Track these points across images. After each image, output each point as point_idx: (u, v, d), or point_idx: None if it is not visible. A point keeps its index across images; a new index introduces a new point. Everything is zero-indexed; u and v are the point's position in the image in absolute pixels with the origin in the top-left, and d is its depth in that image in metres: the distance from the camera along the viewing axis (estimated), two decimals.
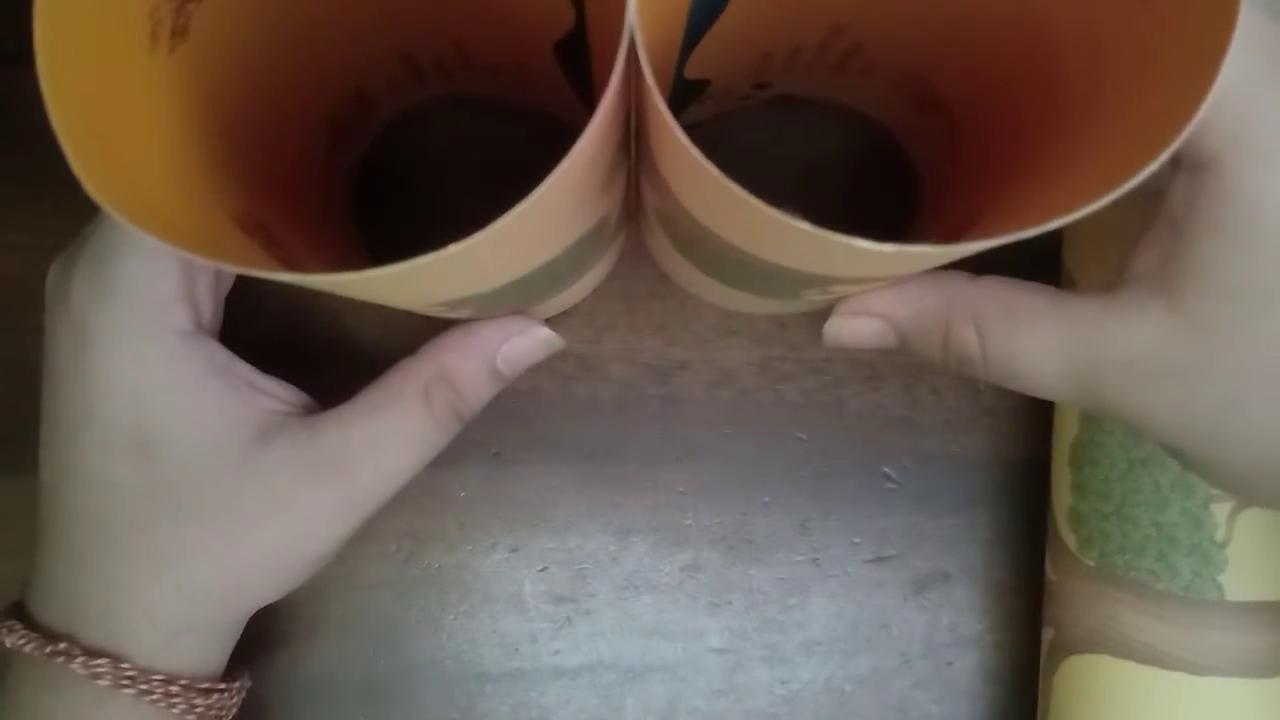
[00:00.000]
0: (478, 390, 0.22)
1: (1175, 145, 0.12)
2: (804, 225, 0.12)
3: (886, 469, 0.28)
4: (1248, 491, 0.19)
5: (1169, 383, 0.16)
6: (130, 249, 0.20)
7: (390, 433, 0.21)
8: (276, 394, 0.22)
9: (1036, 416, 0.28)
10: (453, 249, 0.12)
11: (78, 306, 0.20)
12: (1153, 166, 0.12)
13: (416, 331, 0.27)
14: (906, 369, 0.28)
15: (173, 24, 0.16)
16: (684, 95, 0.23)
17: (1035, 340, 0.17)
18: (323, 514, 0.21)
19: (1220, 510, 0.22)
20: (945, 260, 0.15)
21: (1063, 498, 0.25)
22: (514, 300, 0.20)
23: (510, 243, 0.14)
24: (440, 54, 0.23)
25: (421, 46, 0.23)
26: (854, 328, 0.20)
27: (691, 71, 0.21)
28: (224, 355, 0.21)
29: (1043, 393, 0.18)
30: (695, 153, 0.12)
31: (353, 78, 0.23)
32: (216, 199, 0.18)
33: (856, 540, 0.28)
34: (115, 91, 0.15)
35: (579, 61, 0.21)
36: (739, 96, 0.26)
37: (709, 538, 0.28)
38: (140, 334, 0.20)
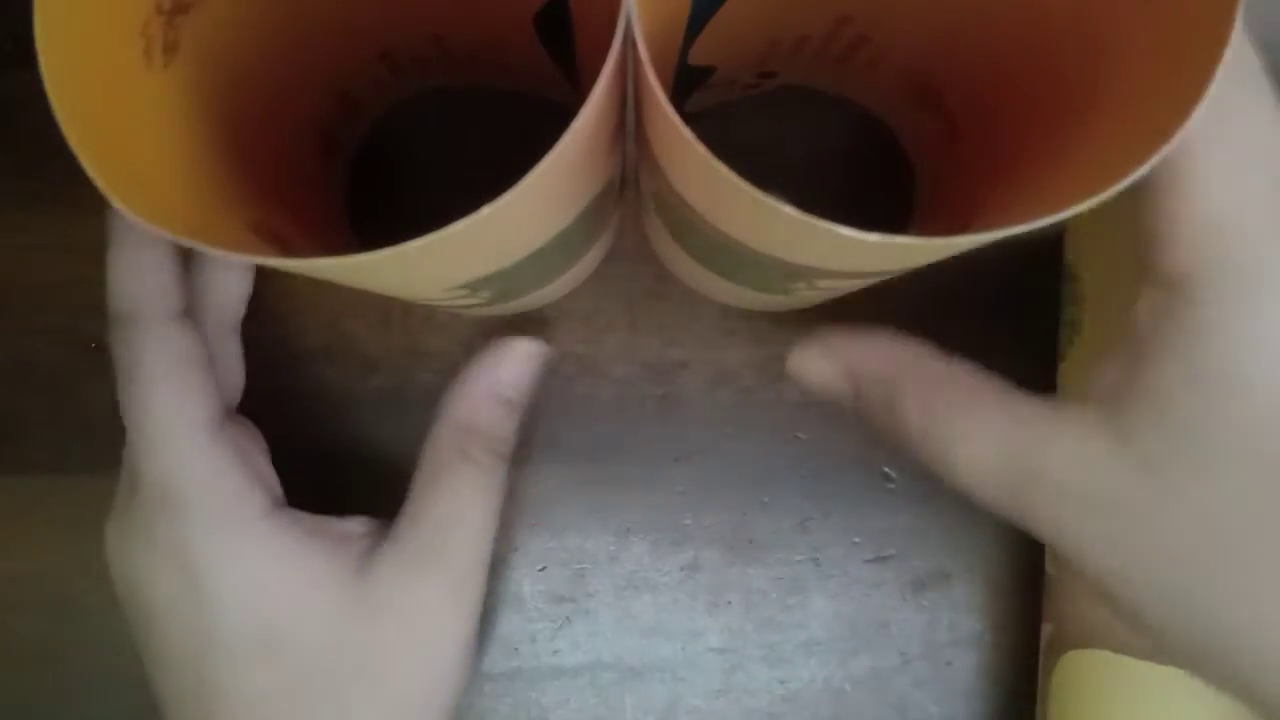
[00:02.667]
0: (502, 426, 0.23)
1: (1172, 143, 0.12)
2: (789, 209, 0.12)
3: (886, 469, 0.28)
4: (1186, 662, 0.15)
5: (1106, 519, 0.14)
6: (187, 462, 0.20)
7: (454, 504, 0.22)
8: (358, 531, 0.22)
9: None
10: (485, 210, 0.12)
11: (164, 541, 0.20)
12: (1146, 167, 0.13)
13: (415, 330, 0.28)
14: None
15: (164, 39, 0.16)
16: (688, 81, 0.23)
17: (975, 433, 0.16)
18: (443, 609, 0.21)
19: None
20: (933, 256, 0.15)
21: None
22: (533, 275, 0.20)
23: (535, 204, 0.15)
24: (419, 48, 0.24)
25: (400, 43, 0.23)
26: (816, 366, 0.20)
27: (696, 57, 0.22)
28: (307, 519, 0.22)
29: (970, 491, 0.16)
30: (686, 132, 0.12)
31: (336, 82, 0.23)
32: (229, 209, 0.18)
33: (856, 540, 0.28)
34: (122, 110, 0.15)
35: (560, 32, 0.21)
36: (743, 85, 0.26)
37: (709, 538, 0.28)
38: (229, 531, 0.20)
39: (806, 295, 0.21)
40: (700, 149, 0.12)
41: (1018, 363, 0.28)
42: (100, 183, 0.13)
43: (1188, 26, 0.14)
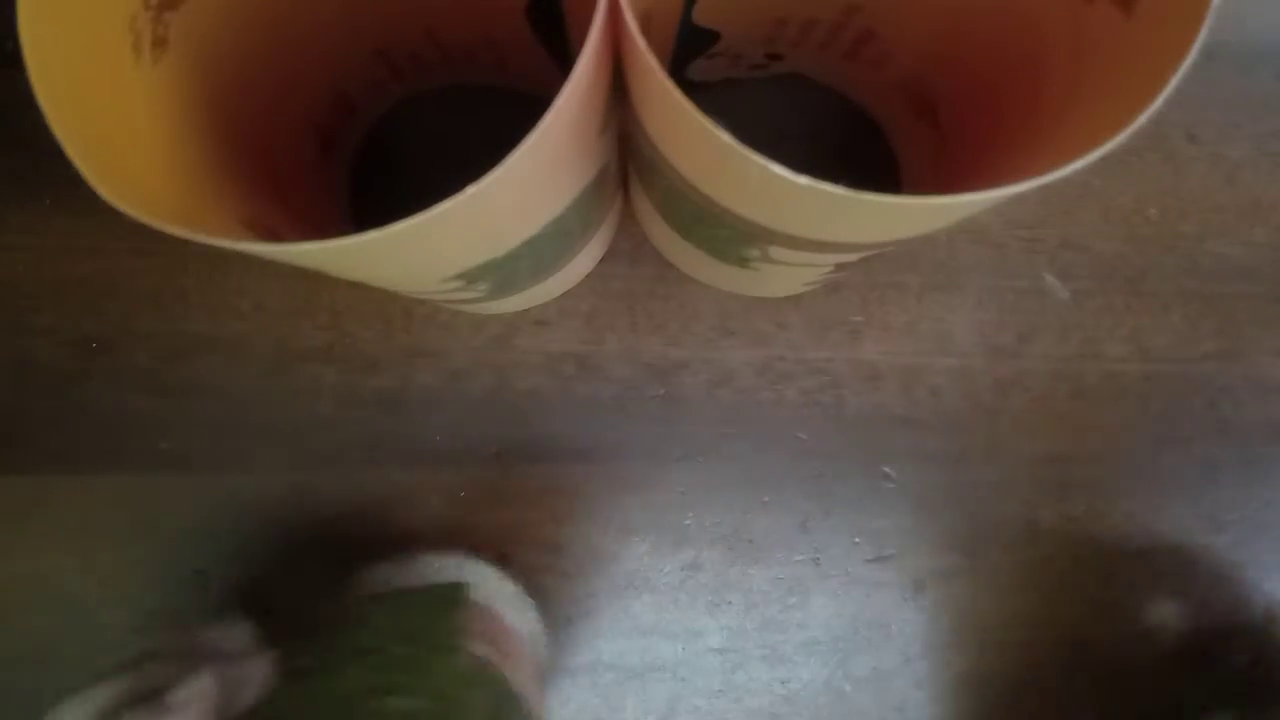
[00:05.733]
0: None
1: (1135, 126, 0.13)
2: (727, 137, 0.12)
3: (886, 469, 0.28)
4: None
5: None
6: None
7: None
8: None
9: (1036, 417, 0.28)
10: (471, 189, 0.13)
11: None
12: (1112, 145, 0.13)
13: (416, 330, 0.28)
14: (906, 369, 0.28)
15: (152, 34, 0.16)
16: (693, 44, 0.23)
17: None
18: None
19: None
20: (882, 213, 0.14)
21: None
22: (531, 267, 0.20)
23: (522, 186, 0.15)
24: (413, 45, 0.24)
25: (394, 41, 0.23)
26: None
27: (700, 18, 0.22)
28: None
29: None
30: (652, 60, 0.13)
31: (332, 81, 0.23)
32: (222, 204, 0.18)
33: (856, 540, 0.28)
34: (110, 103, 0.15)
35: (553, 24, 0.21)
36: (750, 64, 0.26)
37: (709, 537, 0.28)
38: None
39: (768, 271, 0.21)
40: (660, 74, 0.13)
41: None
42: (86, 174, 0.13)
43: (1161, 32, 0.14)
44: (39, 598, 0.27)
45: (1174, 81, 0.13)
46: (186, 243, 0.13)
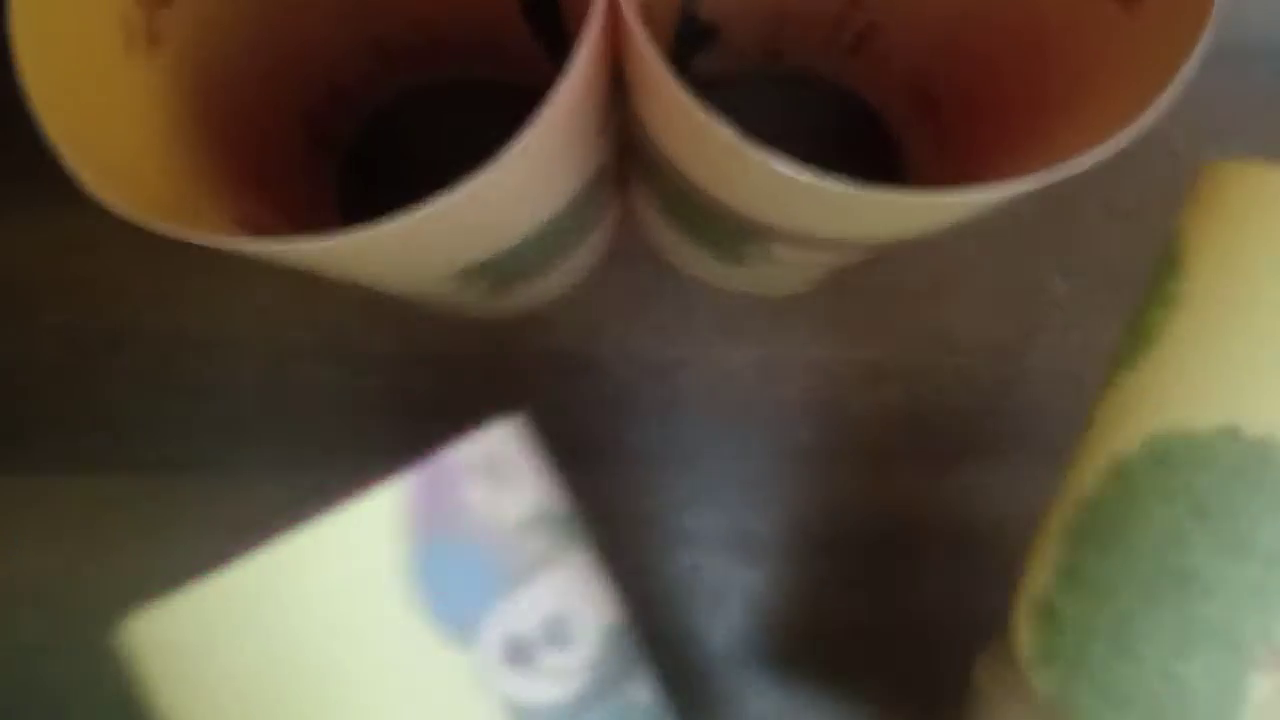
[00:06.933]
0: None
1: (1143, 122, 0.13)
2: (730, 132, 0.12)
3: (888, 468, 0.28)
4: None
5: None
6: None
7: None
8: None
9: (1039, 417, 0.28)
10: (464, 186, 0.13)
11: None
12: (1119, 142, 0.13)
13: (416, 331, 0.28)
14: (907, 369, 0.28)
15: (146, 30, 0.16)
16: (693, 40, 0.23)
17: None
18: None
19: (1263, 684, 0.14)
20: (885, 209, 0.14)
21: (1036, 576, 0.17)
22: (529, 266, 0.20)
23: (518, 183, 0.15)
24: (408, 38, 0.24)
25: (388, 33, 0.23)
26: None
27: (700, 12, 0.22)
28: None
29: None
30: (653, 54, 0.13)
31: (325, 75, 0.23)
32: (215, 202, 0.18)
33: (857, 538, 0.28)
34: (102, 101, 0.15)
35: (549, 18, 0.21)
36: (752, 60, 0.26)
37: (709, 537, 0.28)
38: None
39: (769, 270, 0.21)
40: (661, 68, 0.13)
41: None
42: (78, 173, 0.13)
43: (1164, 32, 0.14)
44: (39, 598, 0.27)
45: (1177, 83, 0.13)
46: (188, 243, 0.13)
